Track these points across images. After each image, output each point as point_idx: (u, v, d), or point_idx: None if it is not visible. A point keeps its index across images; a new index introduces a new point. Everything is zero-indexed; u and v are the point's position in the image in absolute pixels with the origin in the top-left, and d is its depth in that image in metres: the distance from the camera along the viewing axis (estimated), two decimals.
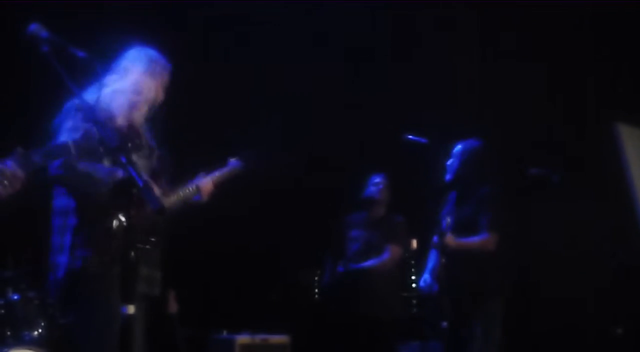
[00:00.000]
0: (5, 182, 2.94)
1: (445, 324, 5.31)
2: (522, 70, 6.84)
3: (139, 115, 3.90)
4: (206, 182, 4.27)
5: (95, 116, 3.23)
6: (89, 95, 3.49)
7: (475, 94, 6.97)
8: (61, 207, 3.82)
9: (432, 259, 5.57)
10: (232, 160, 4.57)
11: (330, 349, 6.21)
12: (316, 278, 6.66)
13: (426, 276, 5.55)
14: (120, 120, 3.78)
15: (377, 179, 6.29)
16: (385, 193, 6.30)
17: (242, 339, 6.39)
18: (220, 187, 4.34)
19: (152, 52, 3.99)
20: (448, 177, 5.54)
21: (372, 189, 6.29)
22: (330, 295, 6.29)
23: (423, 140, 5.41)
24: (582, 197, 6.67)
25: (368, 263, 6.11)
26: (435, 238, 5.34)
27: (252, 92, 6.95)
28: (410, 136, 5.44)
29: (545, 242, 6.75)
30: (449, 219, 5.34)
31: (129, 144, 3.60)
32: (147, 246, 3.81)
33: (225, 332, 6.55)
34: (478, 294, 5.28)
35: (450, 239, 5.27)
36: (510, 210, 5.49)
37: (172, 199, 4.07)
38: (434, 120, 6.28)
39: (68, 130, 3.66)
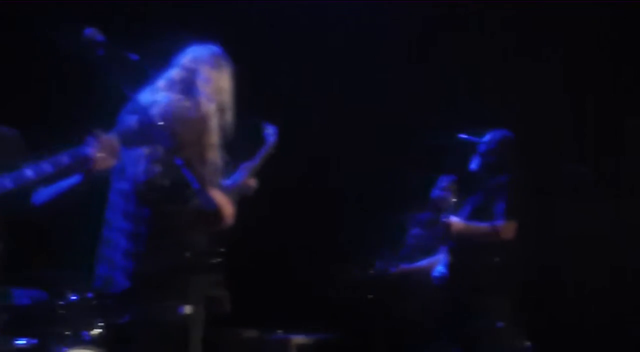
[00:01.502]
0: (101, 154, 3.00)
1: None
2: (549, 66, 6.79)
3: (209, 113, 3.83)
4: (249, 176, 4.25)
5: (150, 119, 3.26)
6: (143, 98, 3.52)
7: (501, 89, 6.89)
8: (128, 211, 3.82)
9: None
10: (269, 131, 4.52)
11: (379, 349, 6.20)
12: (369, 276, 6.63)
13: (440, 267, 5.54)
14: (182, 121, 3.75)
15: (445, 182, 6.25)
16: (451, 196, 6.25)
17: (297, 339, 6.40)
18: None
19: (214, 48, 3.95)
20: (473, 166, 5.53)
21: (439, 191, 6.23)
22: (379, 294, 6.28)
23: (476, 139, 5.40)
24: (609, 195, 6.59)
25: (420, 263, 6.09)
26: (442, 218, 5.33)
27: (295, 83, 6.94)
28: (464, 135, 5.43)
29: (572, 241, 6.67)
30: (453, 200, 5.32)
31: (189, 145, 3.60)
32: (206, 248, 3.83)
33: (280, 333, 6.56)
34: (480, 287, 5.24)
35: (459, 223, 5.25)
36: (530, 202, 5.45)
37: (228, 198, 4.06)
38: (462, 114, 6.26)
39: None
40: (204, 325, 3.91)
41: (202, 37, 3.95)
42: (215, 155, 3.80)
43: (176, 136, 3.33)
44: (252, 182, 4.30)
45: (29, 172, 3.04)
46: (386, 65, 6.85)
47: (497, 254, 5.29)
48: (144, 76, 3.41)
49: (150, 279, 3.66)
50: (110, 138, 3.07)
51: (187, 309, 3.66)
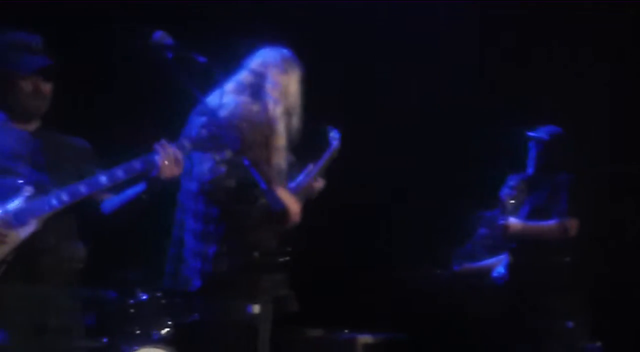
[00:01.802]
0: (166, 162, 3.06)
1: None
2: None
3: (276, 117, 3.84)
4: (314, 178, 4.25)
5: (218, 120, 3.30)
6: (212, 101, 3.55)
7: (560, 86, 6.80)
8: (197, 210, 3.83)
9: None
10: (333, 135, 4.52)
11: (446, 349, 6.18)
12: (436, 275, 6.60)
13: (500, 268, 5.49)
14: (249, 124, 3.78)
15: (514, 181, 6.18)
16: (519, 195, 6.18)
17: (364, 338, 6.39)
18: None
19: (284, 51, 3.94)
20: (530, 164, 5.47)
21: (508, 189, 6.17)
22: (445, 293, 6.26)
23: (544, 137, 5.35)
24: None
25: (485, 262, 6.04)
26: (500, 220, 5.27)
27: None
28: (532, 133, 5.38)
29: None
30: (512, 202, 5.27)
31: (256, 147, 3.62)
32: (273, 247, 3.85)
33: (346, 332, 6.56)
34: (546, 287, 5.17)
35: (517, 224, 5.19)
36: (593, 200, 5.37)
37: (294, 198, 4.07)
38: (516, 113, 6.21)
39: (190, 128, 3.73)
40: (272, 324, 3.93)
41: (272, 39, 3.96)
42: (281, 158, 3.82)
43: (243, 138, 3.36)
44: (318, 184, 4.29)
45: (103, 179, 3.10)
46: (454, 64, 6.81)
47: (562, 253, 5.24)
48: (213, 78, 3.44)
49: (219, 278, 3.69)
50: (175, 148, 3.12)
51: (256, 309, 3.69)
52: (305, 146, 4.08)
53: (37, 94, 3.20)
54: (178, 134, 3.77)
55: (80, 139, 3.40)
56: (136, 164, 3.11)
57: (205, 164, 3.63)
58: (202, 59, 3.26)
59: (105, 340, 5.03)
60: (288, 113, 3.86)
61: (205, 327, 3.85)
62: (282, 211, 3.43)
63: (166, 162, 3.09)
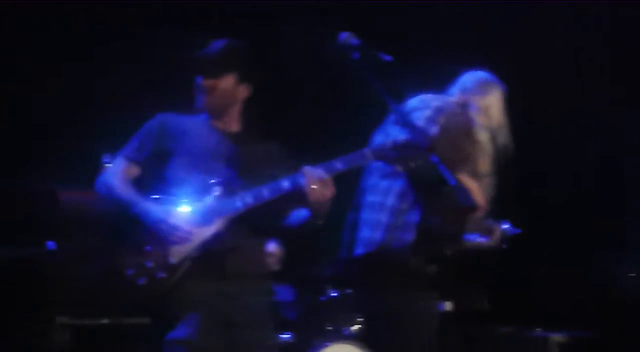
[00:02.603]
0: (313, 186, 3.09)
1: None
2: None
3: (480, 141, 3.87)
4: None
5: (405, 118, 3.30)
6: (398, 99, 3.56)
7: None
8: (379, 186, 3.86)
9: None
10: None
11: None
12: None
13: None
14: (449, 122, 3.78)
15: None
16: None
17: (557, 337, 6.24)
18: None
19: (481, 75, 3.98)
20: None
21: None
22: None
23: None
24: None
25: None
26: None
27: None
28: None
29: None
30: None
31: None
32: (458, 245, 3.82)
33: (538, 330, 6.43)
34: None
35: None
36: None
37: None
38: None
39: (380, 133, 3.77)
40: (464, 321, 3.90)
41: (472, 64, 4.01)
42: (485, 167, 3.86)
43: (437, 135, 3.39)
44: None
45: (285, 184, 3.16)
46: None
47: None
48: (399, 78, 3.45)
49: (411, 274, 3.70)
50: (320, 172, 3.12)
51: (447, 306, 3.68)
52: None
53: (204, 90, 3.33)
54: (368, 133, 3.84)
55: (276, 143, 3.49)
56: (284, 184, 3.16)
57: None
58: (387, 58, 3.26)
59: (291, 336, 5.16)
60: (493, 132, 3.88)
61: (394, 323, 3.86)
62: (472, 207, 3.38)
63: (313, 186, 3.10)
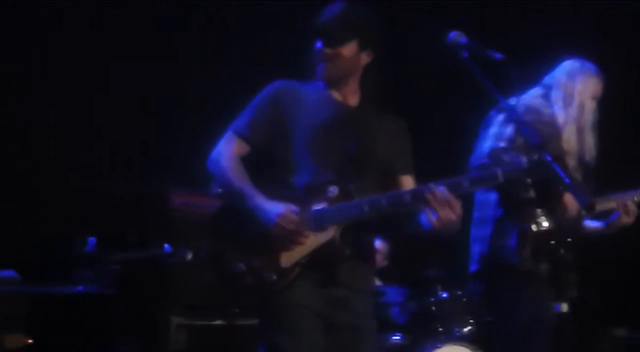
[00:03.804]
0: (440, 210, 2.89)
1: None
2: None
3: (565, 124, 3.86)
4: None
5: (517, 116, 3.26)
6: (509, 97, 3.52)
7: None
8: (479, 200, 3.90)
9: None
10: None
11: None
12: None
13: None
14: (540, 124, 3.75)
15: None
16: None
17: None
18: None
19: (589, 66, 3.96)
20: None
21: None
22: None
23: None
24: None
25: None
26: None
27: None
28: None
29: None
30: None
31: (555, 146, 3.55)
32: (569, 245, 3.75)
33: None
34: None
35: None
36: None
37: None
38: None
39: (492, 137, 3.73)
40: (575, 323, 3.83)
41: (574, 53, 3.98)
42: (571, 163, 3.81)
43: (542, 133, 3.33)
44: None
45: (407, 196, 2.99)
46: None
47: None
48: (510, 76, 3.40)
49: (526, 276, 3.65)
50: (445, 193, 2.90)
51: (564, 307, 3.61)
52: None
53: (325, 59, 3.14)
54: (476, 131, 3.81)
55: (397, 118, 3.30)
56: (406, 196, 2.99)
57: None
58: (498, 56, 3.21)
59: (401, 337, 5.16)
60: (575, 119, 3.86)
61: (505, 325, 3.82)
62: (588, 205, 3.32)
63: (437, 206, 2.89)
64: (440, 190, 2.90)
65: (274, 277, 2.99)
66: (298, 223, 2.98)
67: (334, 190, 3.03)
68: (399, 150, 3.22)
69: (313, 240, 2.99)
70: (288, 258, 2.99)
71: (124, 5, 5.74)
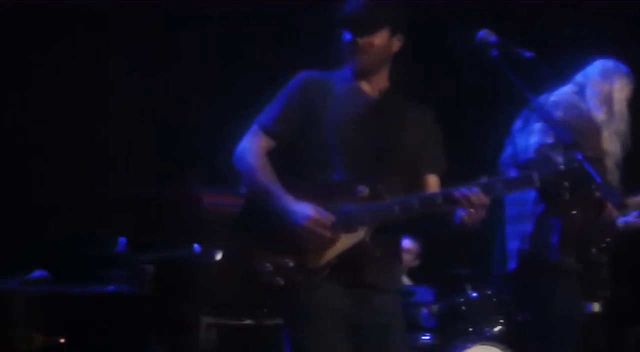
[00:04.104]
0: (472, 210, 2.89)
1: None
2: None
3: (601, 121, 3.86)
4: None
5: (548, 114, 3.25)
6: (540, 95, 3.52)
7: None
8: (515, 197, 3.84)
9: None
10: None
11: None
12: None
13: None
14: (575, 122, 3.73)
15: None
16: None
17: None
18: None
19: (622, 67, 3.97)
20: None
21: None
22: None
23: None
24: None
25: None
26: None
27: None
28: None
29: None
30: None
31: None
32: (602, 244, 3.73)
33: None
34: None
35: None
36: None
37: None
38: None
39: (538, 132, 3.70)
40: (606, 323, 3.81)
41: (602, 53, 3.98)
42: (611, 162, 3.82)
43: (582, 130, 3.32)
44: None
45: (439, 198, 2.96)
46: None
47: None
48: (540, 74, 3.38)
49: (562, 274, 3.63)
50: (481, 197, 2.88)
51: (595, 307, 3.59)
52: None
53: (358, 50, 3.06)
54: (507, 129, 3.80)
55: (425, 109, 3.25)
56: (437, 198, 2.96)
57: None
58: (528, 55, 3.19)
59: (430, 337, 5.14)
60: (612, 119, 3.86)
61: (535, 325, 3.80)
62: (619, 203, 3.30)
63: (470, 209, 2.88)
64: (474, 192, 2.87)
65: (303, 278, 2.97)
66: (326, 226, 2.93)
67: (363, 190, 2.99)
68: (428, 145, 3.18)
69: (343, 241, 2.96)
70: (317, 259, 2.96)
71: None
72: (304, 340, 2.98)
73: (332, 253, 2.96)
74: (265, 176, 3.04)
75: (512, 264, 3.82)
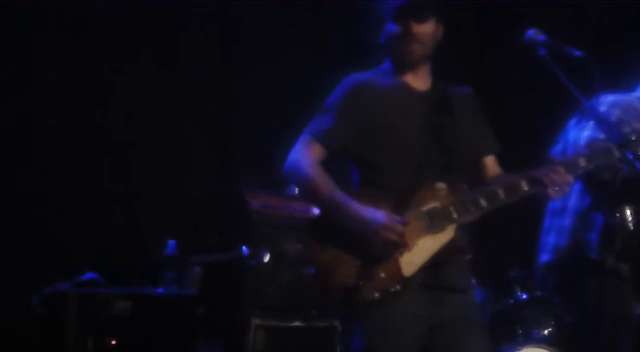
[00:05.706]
0: (556, 187, 2.90)
1: None
2: None
3: None
4: None
5: (598, 114, 3.22)
6: (589, 95, 3.49)
7: None
8: (554, 208, 3.88)
9: None
10: None
11: None
12: None
13: None
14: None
15: None
16: None
17: None
18: None
19: None
20: None
21: None
22: None
23: None
24: None
25: None
26: None
27: None
28: None
29: None
30: None
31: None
32: None
33: None
34: None
35: None
36: None
37: None
38: None
39: (591, 127, 3.67)
40: None
41: None
42: None
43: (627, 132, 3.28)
44: None
45: (524, 184, 2.95)
46: None
47: None
48: (590, 73, 3.35)
49: (606, 274, 3.60)
50: (568, 178, 2.91)
51: None
52: None
53: (406, 37, 3.01)
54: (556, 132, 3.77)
55: (467, 91, 3.23)
56: (523, 185, 2.92)
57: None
58: (578, 54, 3.17)
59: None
60: None
61: (585, 326, 3.77)
62: None
63: (555, 188, 2.89)
64: (562, 173, 2.89)
65: (398, 288, 2.85)
66: (402, 232, 2.83)
67: (441, 187, 2.92)
68: (480, 127, 3.17)
69: (432, 242, 2.87)
70: (410, 265, 2.86)
71: None
72: (380, 347, 2.90)
73: (425, 256, 2.87)
74: (326, 184, 2.94)
75: (544, 257, 3.79)
